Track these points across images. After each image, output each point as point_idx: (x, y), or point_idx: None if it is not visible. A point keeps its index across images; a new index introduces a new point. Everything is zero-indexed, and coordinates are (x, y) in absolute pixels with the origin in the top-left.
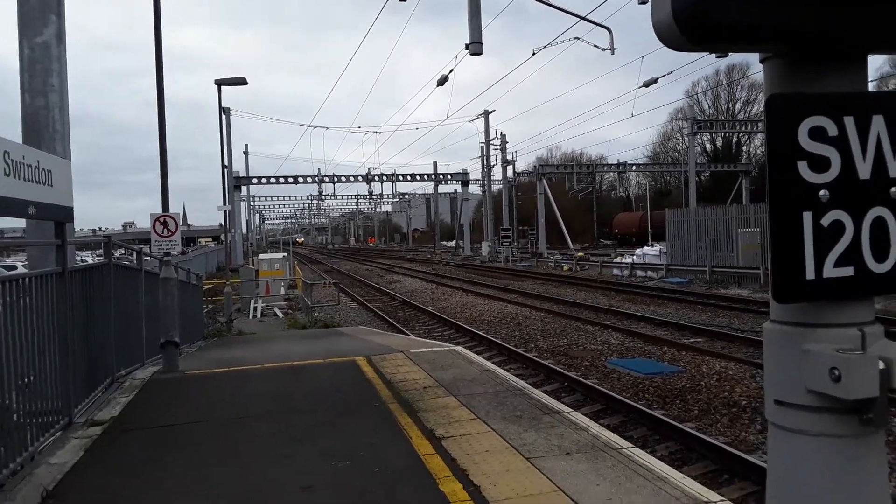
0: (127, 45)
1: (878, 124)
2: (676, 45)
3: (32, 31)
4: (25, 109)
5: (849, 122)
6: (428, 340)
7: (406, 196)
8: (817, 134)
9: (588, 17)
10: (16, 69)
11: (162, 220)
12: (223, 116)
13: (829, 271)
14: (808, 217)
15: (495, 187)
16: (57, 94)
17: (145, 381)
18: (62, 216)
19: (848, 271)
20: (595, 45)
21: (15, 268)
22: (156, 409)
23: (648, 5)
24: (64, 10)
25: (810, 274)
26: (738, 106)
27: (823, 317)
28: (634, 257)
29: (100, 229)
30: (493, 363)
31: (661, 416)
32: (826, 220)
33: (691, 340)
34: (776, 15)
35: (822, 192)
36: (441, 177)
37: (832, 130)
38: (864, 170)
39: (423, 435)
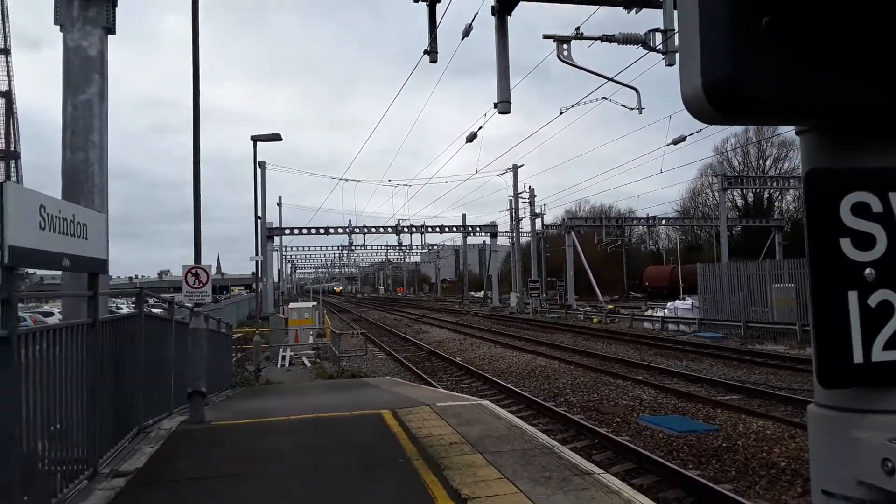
0: (165, 101)
1: None
2: (707, 118)
3: (76, 89)
4: (66, 163)
5: (894, 197)
6: (455, 393)
7: (435, 247)
8: (861, 210)
9: (615, 79)
10: (56, 123)
11: (194, 271)
12: (258, 170)
13: (879, 355)
14: (853, 297)
15: (524, 239)
16: (97, 149)
17: (171, 432)
18: (95, 268)
19: None
20: (623, 105)
21: (52, 314)
22: (181, 461)
23: (677, 69)
24: (107, 69)
25: (858, 357)
26: (768, 162)
27: (873, 402)
28: (666, 311)
29: (136, 277)
30: (520, 418)
31: (697, 477)
32: (873, 301)
33: (727, 398)
34: (814, 90)
35: (867, 271)
36: (469, 229)
37: (876, 206)
38: None
39: (447, 495)
